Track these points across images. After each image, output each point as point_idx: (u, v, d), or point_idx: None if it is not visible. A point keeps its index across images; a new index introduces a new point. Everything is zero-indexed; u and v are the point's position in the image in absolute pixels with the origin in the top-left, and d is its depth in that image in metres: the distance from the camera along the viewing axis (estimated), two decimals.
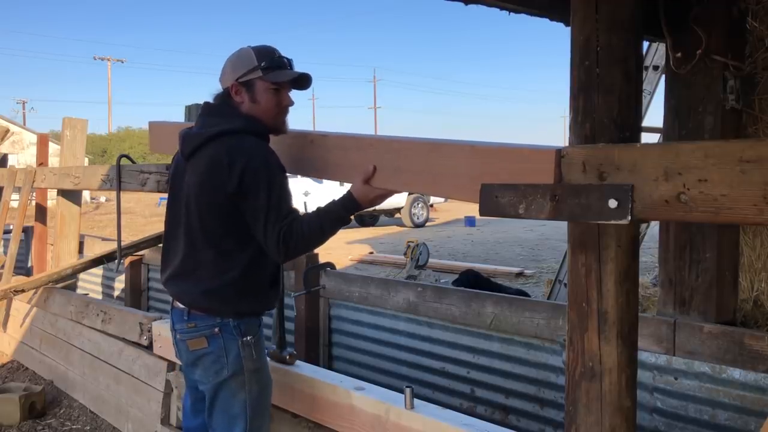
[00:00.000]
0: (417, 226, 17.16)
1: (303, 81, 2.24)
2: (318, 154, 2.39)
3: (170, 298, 2.26)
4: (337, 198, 2.12)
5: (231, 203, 2.05)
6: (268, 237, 2.03)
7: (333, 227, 2.11)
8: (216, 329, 2.10)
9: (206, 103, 2.24)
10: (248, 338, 2.14)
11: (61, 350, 4.41)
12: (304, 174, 2.59)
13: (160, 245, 5.47)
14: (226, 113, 2.15)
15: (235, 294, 2.12)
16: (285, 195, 2.09)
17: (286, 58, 2.21)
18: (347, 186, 2.16)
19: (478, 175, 1.72)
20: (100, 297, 6.29)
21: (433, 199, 17.91)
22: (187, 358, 2.19)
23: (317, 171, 2.45)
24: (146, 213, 21.28)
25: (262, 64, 2.13)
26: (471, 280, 5.66)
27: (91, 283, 6.48)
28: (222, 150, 2.05)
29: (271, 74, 2.14)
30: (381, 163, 2.07)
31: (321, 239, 2.11)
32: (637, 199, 1.41)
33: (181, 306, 2.16)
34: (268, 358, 2.33)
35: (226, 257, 2.11)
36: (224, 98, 2.19)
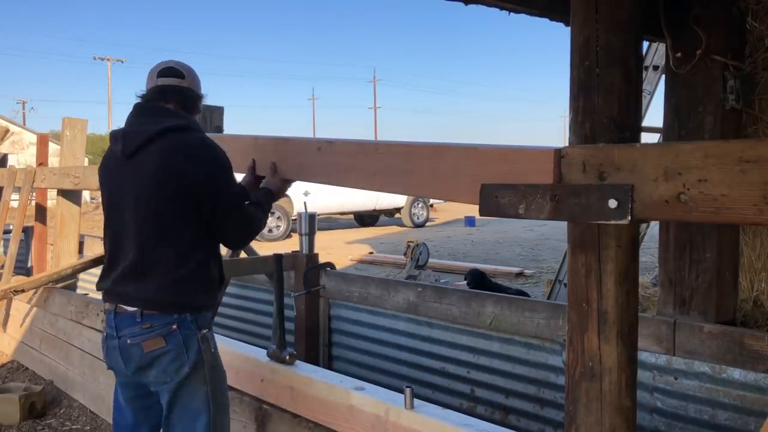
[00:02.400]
0: (417, 226, 17.16)
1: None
2: (324, 161, 2.41)
3: None
4: (257, 192, 2.43)
5: (191, 198, 2.07)
6: (228, 226, 2.16)
7: (264, 215, 2.35)
8: (173, 326, 2.06)
9: (149, 105, 2.22)
10: (205, 331, 2.12)
11: (61, 350, 4.41)
12: (312, 180, 2.61)
13: None
14: (171, 113, 2.18)
15: (191, 288, 2.10)
16: (238, 188, 2.32)
17: None
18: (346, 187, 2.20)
19: (480, 176, 1.73)
20: (100, 297, 6.28)
21: (432, 199, 17.92)
22: (139, 361, 2.08)
23: (323, 177, 2.47)
24: None
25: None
26: (477, 278, 5.68)
27: (91, 283, 6.46)
28: (179, 146, 2.09)
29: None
30: (387, 167, 2.09)
31: (260, 229, 2.33)
32: (637, 199, 1.41)
33: (131, 309, 2.08)
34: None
35: (182, 253, 2.09)
36: (182, 101, 2.21)
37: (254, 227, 2.27)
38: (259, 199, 2.38)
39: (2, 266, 5.34)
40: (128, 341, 2.07)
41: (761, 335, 2.45)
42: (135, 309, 2.07)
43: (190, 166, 2.05)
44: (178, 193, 2.05)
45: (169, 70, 2.21)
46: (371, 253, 11.40)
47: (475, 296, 3.41)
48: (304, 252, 4.28)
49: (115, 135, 2.18)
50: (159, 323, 2.05)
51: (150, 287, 2.07)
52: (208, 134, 2.35)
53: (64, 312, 4.40)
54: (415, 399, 2.15)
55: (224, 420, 2.20)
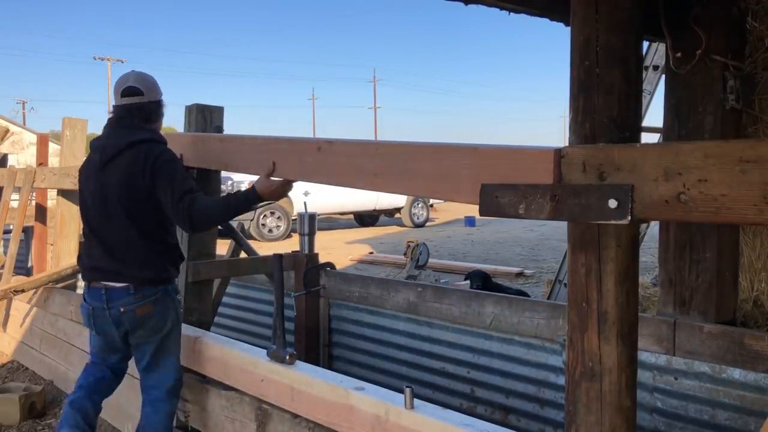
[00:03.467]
0: (417, 226, 17.16)
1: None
2: (324, 161, 2.41)
3: None
4: (243, 190, 2.69)
5: (151, 195, 2.61)
6: (173, 215, 2.61)
7: (236, 211, 2.70)
8: (158, 294, 2.66)
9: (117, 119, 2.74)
10: (178, 296, 2.84)
11: (61, 350, 4.41)
12: (312, 180, 2.62)
13: None
14: (136, 126, 2.70)
15: (163, 265, 2.71)
16: (186, 185, 2.64)
17: None
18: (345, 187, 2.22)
19: (480, 176, 1.73)
20: None
21: (432, 199, 17.91)
22: (130, 325, 2.65)
23: (323, 177, 2.47)
24: None
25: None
26: (482, 280, 5.68)
27: None
28: (143, 154, 2.62)
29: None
30: (387, 167, 2.10)
31: (221, 217, 2.76)
32: (637, 199, 1.41)
33: (119, 285, 2.62)
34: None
35: (153, 239, 2.67)
36: (145, 112, 2.71)
37: (201, 218, 2.61)
38: (229, 196, 2.74)
39: (2, 266, 5.34)
40: (121, 309, 2.62)
41: (761, 335, 2.45)
42: (125, 284, 2.62)
43: (148, 171, 2.58)
44: (140, 192, 2.60)
45: (129, 90, 2.70)
46: (371, 253, 11.40)
47: (475, 296, 3.41)
48: (304, 252, 4.28)
49: (94, 146, 2.76)
50: (146, 294, 2.63)
51: (134, 266, 2.63)
52: (209, 134, 2.96)
53: (64, 312, 4.39)
54: (415, 399, 2.15)
55: (177, 359, 2.87)
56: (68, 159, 5.04)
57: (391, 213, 17.59)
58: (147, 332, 2.69)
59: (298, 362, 2.67)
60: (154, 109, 2.74)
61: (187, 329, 3.25)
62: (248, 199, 2.66)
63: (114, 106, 2.72)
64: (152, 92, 2.73)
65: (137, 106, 2.69)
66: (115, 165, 2.63)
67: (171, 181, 2.58)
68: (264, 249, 6.67)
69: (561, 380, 2.93)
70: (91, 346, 2.93)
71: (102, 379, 2.87)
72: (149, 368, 2.79)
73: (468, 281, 5.90)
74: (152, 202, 2.61)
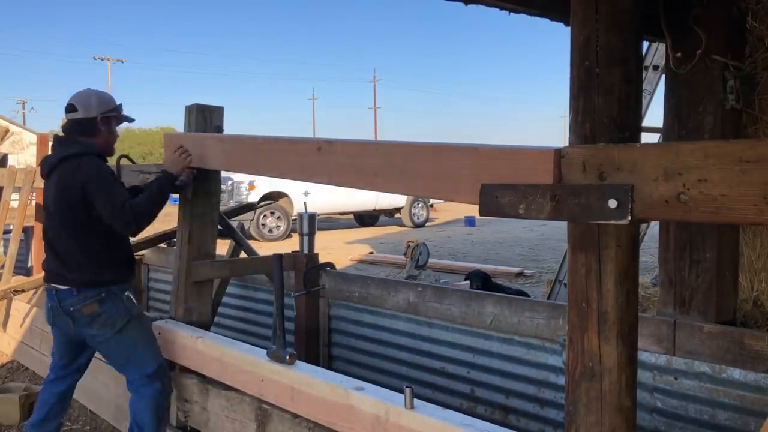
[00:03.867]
0: (417, 226, 17.16)
1: (131, 121, 3.20)
2: (324, 161, 2.41)
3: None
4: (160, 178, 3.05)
5: (82, 204, 2.82)
6: (110, 219, 2.82)
7: (161, 193, 3.00)
8: (102, 293, 2.86)
9: (56, 136, 3.11)
10: (127, 294, 2.95)
11: None
12: (312, 180, 2.61)
13: (160, 245, 5.50)
14: (74, 141, 2.94)
15: (101, 269, 2.89)
16: (115, 189, 2.89)
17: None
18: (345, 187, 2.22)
19: (480, 176, 1.73)
20: None
21: (432, 199, 17.91)
22: (83, 322, 2.87)
23: (323, 177, 2.47)
24: None
25: (119, 106, 3.04)
26: (482, 280, 5.68)
27: None
28: (72, 168, 2.85)
29: (121, 115, 3.07)
30: (387, 167, 2.09)
31: (154, 206, 2.95)
32: (637, 199, 1.41)
33: (65, 287, 2.86)
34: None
35: (86, 244, 2.88)
36: (81, 128, 2.93)
37: (140, 216, 2.86)
38: (147, 185, 3.07)
39: (2, 266, 5.34)
40: (71, 309, 2.86)
41: (761, 335, 2.45)
42: (68, 287, 2.86)
43: (78, 182, 2.81)
44: (73, 202, 2.83)
45: (68, 107, 2.96)
46: (371, 253, 11.40)
47: (475, 296, 3.41)
48: (304, 252, 4.28)
49: (40, 161, 3.10)
50: (89, 295, 2.85)
51: (77, 270, 2.86)
52: (210, 134, 3.15)
53: None
54: (415, 399, 2.15)
55: (150, 349, 3.01)
56: None
57: (391, 213, 17.59)
58: (101, 329, 2.88)
59: (298, 362, 2.67)
60: (90, 124, 2.93)
61: (187, 329, 3.25)
62: (162, 179, 3.04)
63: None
64: (87, 109, 2.93)
65: (74, 121, 2.94)
66: (51, 179, 2.93)
67: (108, 194, 2.81)
68: (264, 249, 6.66)
69: (561, 380, 2.93)
70: (53, 352, 3.15)
71: (51, 406, 3.09)
72: (122, 365, 2.99)
73: (468, 281, 5.90)
74: (86, 212, 2.83)
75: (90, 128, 2.93)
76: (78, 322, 2.88)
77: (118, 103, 3.06)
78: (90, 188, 2.79)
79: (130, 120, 3.17)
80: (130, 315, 2.92)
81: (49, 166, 2.95)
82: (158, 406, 2.94)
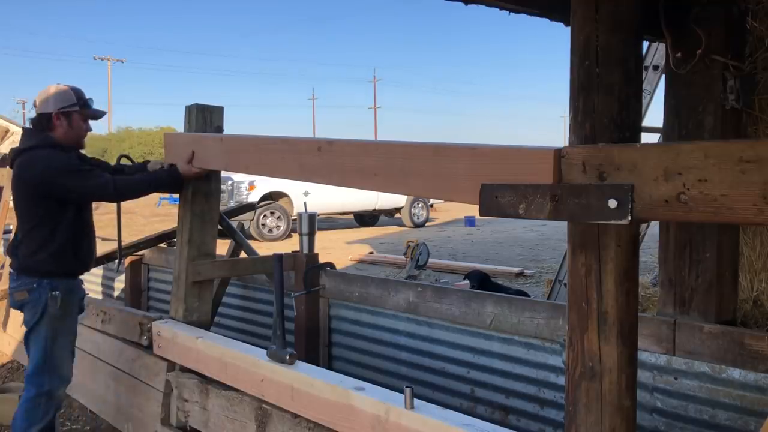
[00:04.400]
0: (417, 226, 17.15)
1: (100, 116, 3.30)
2: (325, 161, 2.41)
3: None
4: (166, 168, 3.28)
5: (37, 195, 2.99)
6: (90, 194, 3.10)
7: (156, 185, 3.31)
8: (34, 285, 2.98)
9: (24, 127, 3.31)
10: (55, 293, 2.99)
11: None
12: (312, 181, 2.61)
13: (161, 245, 5.50)
14: (34, 135, 3.10)
15: (44, 258, 2.99)
16: (87, 175, 3.06)
17: (90, 98, 3.17)
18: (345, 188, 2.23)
19: (480, 176, 1.73)
20: (100, 297, 6.29)
21: (433, 199, 17.90)
22: (16, 306, 3.09)
23: (324, 177, 2.47)
24: (146, 213, 21.27)
25: (80, 102, 3.11)
26: (482, 280, 5.68)
27: (91, 283, 6.47)
28: (26, 159, 3.02)
29: (85, 110, 3.14)
30: (387, 167, 2.10)
31: (142, 192, 3.24)
32: (637, 199, 1.41)
33: (13, 270, 3.08)
34: (79, 317, 3.23)
35: (33, 235, 3.01)
36: (39, 122, 3.09)
37: (115, 190, 3.07)
38: (152, 172, 3.34)
39: (2, 266, 5.34)
40: (11, 292, 3.11)
41: (761, 335, 2.45)
42: (14, 270, 3.07)
43: (30, 173, 2.98)
44: (27, 192, 3.03)
45: (33, 103, 3.14)
46: (371, 253, 11.40)
47: (475, 296, 3.41)
48: (304, 252, 4.28)
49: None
50: (24, 282, 3.01)
51: (21, 257, 3.05)
52: (211, 134, 3.32)
53: None
54: (415, 399, 2.15)
55: (63, 354, 3.08)
56: None
57: (391, 213, 17.58)
58: (26, 314, 3.05)
59: (298, 362, 2.67)
60: (44, 119, 3.07)
61: (187, 329, 3.25)
62: (171, 179, 3.24)
63: None
64: (44, 104, 3.07)
65: (35, 117, 3.13)
66: (13, 169, 3.13)
67: (54, 180, 2.95)
68: (264, 249, 6.67)
69: (561, 380, 2.93)
70: None
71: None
72: (29, 359, 3.10)
73: (467, 281, 5.91)
74: (34, 202, 3.00)
75: (46, 123, 3.06)
76: (14, 305, 3.10)
77: (88, 97, 3.16)
78: (47, 177, 2.94)
79: (99, 115, 3.27)
80: (44, 313, 2.98)
81: (11, 158, 3.14)
82: (34, 407, 3.02)
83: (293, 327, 4.14)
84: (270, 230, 14.28)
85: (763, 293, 3.24)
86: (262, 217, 14.21)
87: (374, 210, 17.10)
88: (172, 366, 3.22)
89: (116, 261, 5.09)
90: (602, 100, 1.65)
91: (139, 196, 3.32)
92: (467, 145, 1.88)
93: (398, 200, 16.68)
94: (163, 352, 3.27)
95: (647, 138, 3.72)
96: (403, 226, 17.20)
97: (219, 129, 3.51)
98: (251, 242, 5.03)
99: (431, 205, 18.87)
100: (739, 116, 2.84)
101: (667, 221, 2.80)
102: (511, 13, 2.95)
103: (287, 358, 2.65)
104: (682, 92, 2.81)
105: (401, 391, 2.18)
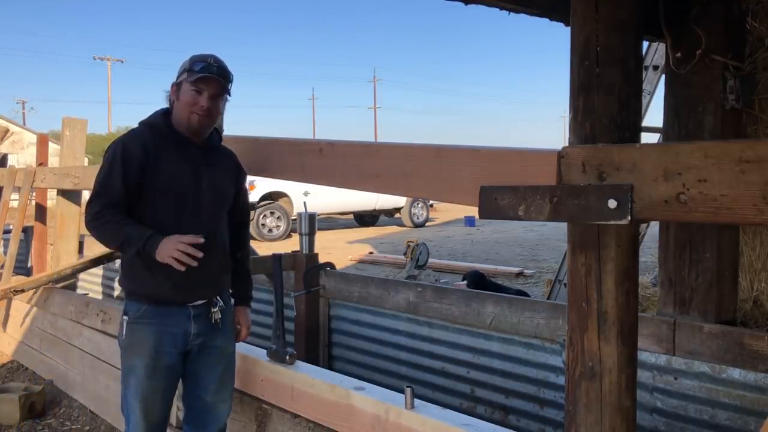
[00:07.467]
0: (417, 226, 17.15)
1: (206, 78, 2.35)
2: (326, 163, 2.42)
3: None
4: (148, 233, 2.22)
5: None
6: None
7: (123, 248, 2.29)
8: (125, 308, 2.37)
9: None
10: (124, 317, 2.35)
11: (61, 350, 4.41)
12: (313, 182, 2.62)
13: None
14: None
15: (123, 274, 2.41)
16: (99, 177, 2.31)
17: (211, 61, 2.37)
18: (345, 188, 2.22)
19: (480, 178, 1.73)
20: (100, 297, 6.28)
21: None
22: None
23: (325, 178, 2.47)
24: None
25: (189, 68, 2.34)
26: (477, 279, 5.67)
27: (91, 283, 6.47)
28: None
29: (190, 76, 2.33)
30: (389, 169, 2.10)
31: (100, 237, 2.32)
32: (636, 199, 1.41)
33: None
34: (159, 355, 2.34)
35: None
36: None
37: (87, 221, 2.29)
38: (132, 226, 2.25)
39: (2, 266, 5.34)
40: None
41: (761, 335, 2.45)
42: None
43: None
44: None
45: None
46: (371, 253, 11.39)
47: (475, 296, 3.41)
48: (304, 252, 4.28)
49: None
50: (125, 306, 2.38)
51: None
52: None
53: (64, 312, 4.39)
54: (415, 399, 2.15)
55: (126, 393, 2.37)
56: (68, 159, 5.04)
57: (391, 213, 17.58)
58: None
59: (298, 362, 2.67)
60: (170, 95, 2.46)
61: None
62: (142, 246, 2.21)
63: None
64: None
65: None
66: None
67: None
68: (264, 249, 6.67)
69: (561, 380, 2.93)
70: None
71: None
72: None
73: (466, 281, 5.90)
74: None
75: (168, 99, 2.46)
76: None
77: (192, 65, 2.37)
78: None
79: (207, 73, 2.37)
80: (119, 342, 2.40)
81: None
82: None
83: (293, 327, 4.14)
84: (270, 230, 14.27)
85: (763, 293, 3.24)
86: (262, 217, 14.21)
87: (374, 210, 17.09)
88: None
89: (116, 261, 5.09)
90: (602, 100, 1.65)
91: (101, 243, 2.45)
92: (468, 147, 1.88)
93: (398, 200, 16.67)
94: None
95: (647, 138, 3.72)
96: (403, 226, 17.20)
97: (219, 129, 3.51)
98: (251, 242, 5.03)
99: (431, 205, 18.87)
100: (739, 116, 2.84)
101: (667, 221, 2.80)
102: (511, 13, 2.95)
103: (287, 358, 2.65)
104: (682, 92, 2.81)
105: (401, 391, 2.18)
